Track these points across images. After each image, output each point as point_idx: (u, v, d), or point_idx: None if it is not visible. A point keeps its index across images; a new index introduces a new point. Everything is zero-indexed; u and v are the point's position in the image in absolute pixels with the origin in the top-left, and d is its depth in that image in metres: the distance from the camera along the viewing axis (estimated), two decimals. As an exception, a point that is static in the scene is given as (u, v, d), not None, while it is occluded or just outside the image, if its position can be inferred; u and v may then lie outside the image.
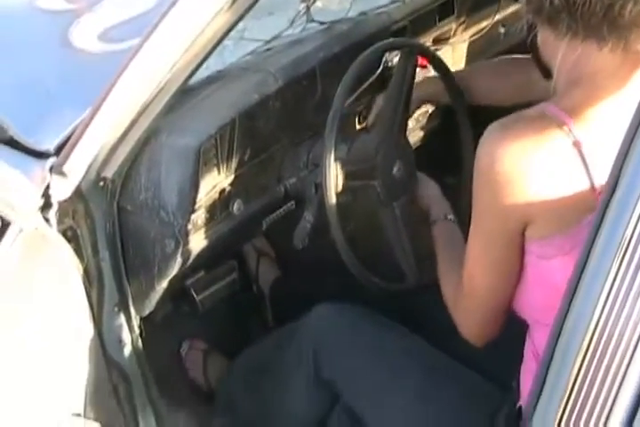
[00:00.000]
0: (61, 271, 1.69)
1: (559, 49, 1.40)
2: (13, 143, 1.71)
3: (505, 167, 1.35)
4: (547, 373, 1.18)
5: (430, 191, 1.95)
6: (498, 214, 1.41)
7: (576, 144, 1.34)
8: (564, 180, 1.36)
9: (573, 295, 1.14)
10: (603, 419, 1.16)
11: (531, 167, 1.35)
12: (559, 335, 1.17)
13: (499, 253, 1.47)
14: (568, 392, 1.17)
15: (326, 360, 1.91)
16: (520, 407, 1.54)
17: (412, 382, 1.81)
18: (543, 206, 1.37)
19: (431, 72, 2.30)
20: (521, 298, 1.53)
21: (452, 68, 2.15)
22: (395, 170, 1.91)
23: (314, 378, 1.93)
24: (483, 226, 1.47)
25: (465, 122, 2.08)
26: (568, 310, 1.15)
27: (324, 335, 1.93)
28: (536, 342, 1.53)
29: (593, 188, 1.35)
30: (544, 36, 1.44)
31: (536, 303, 1.50)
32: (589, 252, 1.14)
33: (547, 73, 1.50)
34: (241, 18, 1.56)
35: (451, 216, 1.87)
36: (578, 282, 1.14)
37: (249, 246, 2.58)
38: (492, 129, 1.39)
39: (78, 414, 1.77)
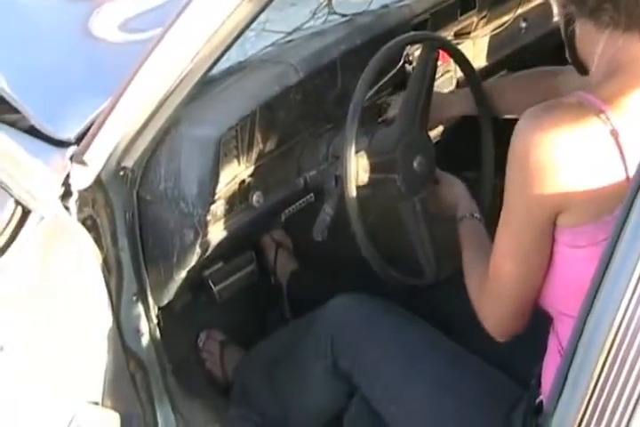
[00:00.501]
0: (81, 260, 1.69)
1: (599, 42, 1.39)
2: (34, 132, 1.70)
3: (540, 154, 1.33)
4: (568, 369, 1.17)
5: (456, 189, 1.94)
6: (531, 202, 1.39)
7: (613, 133, 1.32)
8: (600, 168, 1.35)
9: (598, 290, 1.13)
10: (625, 419, 1.14)
11: (567, 154, 1.33)
12: (582, 331, 1.15)
13: (529, 243, 1.45)
14: (590, 391, 1.15)
15: (345, 351, 1.90)
16: (539, 404, 1.53)
17: (431, 374, 1.80)
18: (577, 194, 1.35)
19: (452, 65, 2.30)
20: (547, 289, 1.51)
21: (473, 63, 2.13)
22: (415, 164, 1.89)
23: (332, 369, 1.92)
24: (515, 214, 1.45)
25: (486, 116, 2.06)
26: (592, 304, 1.14)
27: (342, 326, 1.92)
28: (560, 334, 1.52)
29: (628, 178, 1.33)
30: (584, 30, 1.43)
31: (562, 294, 1.48)
32: (615, 244, 1.12)
33: (581, 68, 1.50)
34: (263, 9, 1.55)
35: (477, 214, 1.85)
36: (603, 276, 1.13)
37: (267, 238, 2.58)
38: (528, 115, 1.37)
39: (96, 403, 1.76)
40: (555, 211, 1.39)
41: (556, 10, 2.62)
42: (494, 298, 1.56)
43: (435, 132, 2.30)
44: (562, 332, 1.51)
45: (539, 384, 1.60)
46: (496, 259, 1.52)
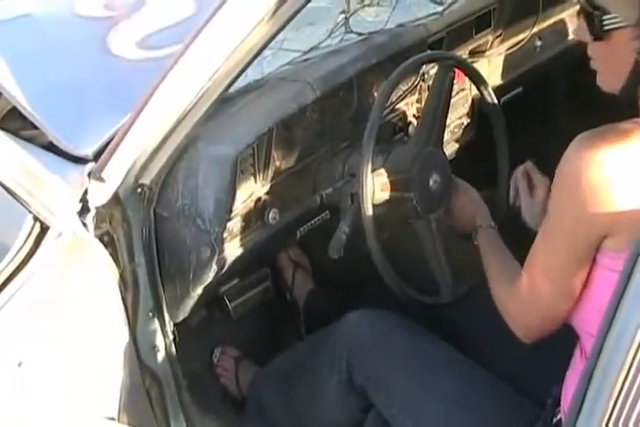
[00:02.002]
0: (98, 276, 1.69)
1: None
2: (53, 148, 1.71)
3: (593, 174, 1.34)
4: (587, 390, 1.15)
5: (472, 198, 1.94)
6: (579, 222, 1.39)
7: None
8: None
9: (616, 309, 1.11)
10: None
11: (619, 175, 1.34)
12: (600, 351, 1.15)
13: (567, 262, 1.44)
14: (609, 412, 1.14)
15: (360, 366, 1.88)
16: (557, 423, 1.51)
17: (447, 390, 1.79)
18: (628, 217, 1.35)
19: (467, 84, 2.30)
20: (580, 310, 1.50)
21: (488, 81, 2.12)
22: (431, 182, 1.89)
23: (347, 384, 1.90)
24: (559, 233, 1.44)
25: (501, 134, 2.06)
26: (611, 324, 1.12)
27: (358, 341, 1.91)
28: (588, 355, 1.49)
29: None
30: None
31: (596, 317, 1.42)
32: (635, 262, 1.11)
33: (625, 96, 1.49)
34: (282, 28, 1.56)
35: (492, 223, 1.86)
36: (622, 294, 1.11)
37: (285, 257, 2.57)
38: (581, 138, 1.38)
39: (112, 418, 1.76)
40: (603, 233, 1.38)
41: (571, 30, 2.62)
42: (523, 304, 1.55)
43: (450, 151, 2.32)
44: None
45: (556, 404, 1.59)
46: (531, 272, 1.51)
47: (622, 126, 1.38)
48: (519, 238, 1.68)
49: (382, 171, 1.85)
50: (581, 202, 1.37)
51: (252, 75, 1.95)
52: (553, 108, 2.91)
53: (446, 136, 2.17)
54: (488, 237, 1.82)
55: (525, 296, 1.54)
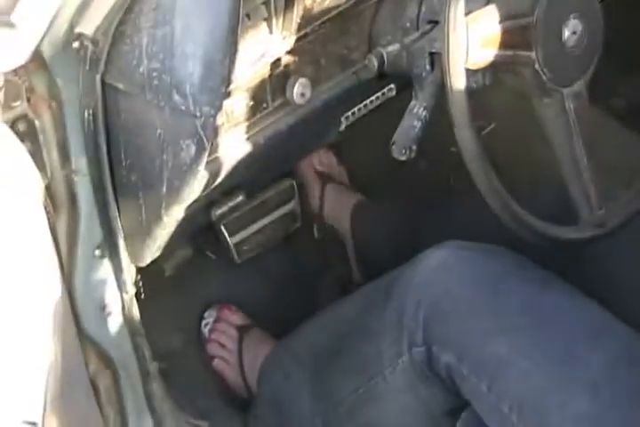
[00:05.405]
0: (9, 189, 1.56)
1: None
2: None
3: None
4: None
5: None
6: None
7: None
8: None
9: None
10: None
11: None
12: None
13: None
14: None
15: (448, 337, 1.78)
16: None
17: (595, 381, 1.66)
18: None
19: None
20: None
21: None
22: (566, 33, 1.73)
23: (425, 368, 1.80)
24: None
25: None
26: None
27: (444, 295, 1.80)
28: None
29: None
30: None
31: None
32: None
33: None
34: None
35: None
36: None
37: (308, 169, 2.59)
38: None
39: (33, 423, 1.65)
40: None
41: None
42: None
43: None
44: None
45: None
46: None
47: None
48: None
49: (485, 13, 1.69)
50: None
51: None
52: None
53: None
54: None
55: None
